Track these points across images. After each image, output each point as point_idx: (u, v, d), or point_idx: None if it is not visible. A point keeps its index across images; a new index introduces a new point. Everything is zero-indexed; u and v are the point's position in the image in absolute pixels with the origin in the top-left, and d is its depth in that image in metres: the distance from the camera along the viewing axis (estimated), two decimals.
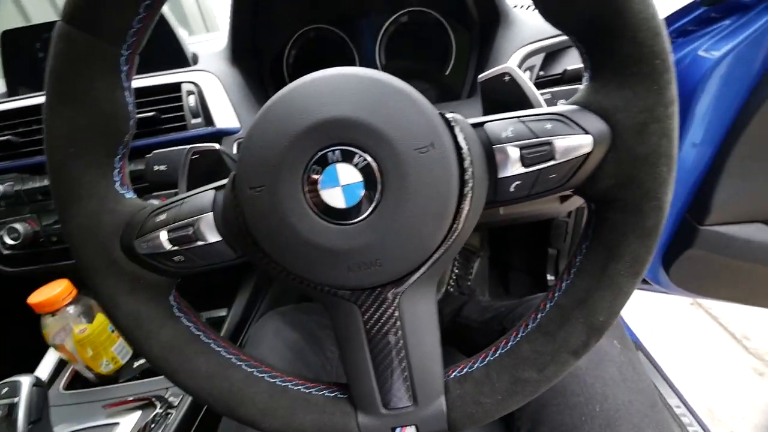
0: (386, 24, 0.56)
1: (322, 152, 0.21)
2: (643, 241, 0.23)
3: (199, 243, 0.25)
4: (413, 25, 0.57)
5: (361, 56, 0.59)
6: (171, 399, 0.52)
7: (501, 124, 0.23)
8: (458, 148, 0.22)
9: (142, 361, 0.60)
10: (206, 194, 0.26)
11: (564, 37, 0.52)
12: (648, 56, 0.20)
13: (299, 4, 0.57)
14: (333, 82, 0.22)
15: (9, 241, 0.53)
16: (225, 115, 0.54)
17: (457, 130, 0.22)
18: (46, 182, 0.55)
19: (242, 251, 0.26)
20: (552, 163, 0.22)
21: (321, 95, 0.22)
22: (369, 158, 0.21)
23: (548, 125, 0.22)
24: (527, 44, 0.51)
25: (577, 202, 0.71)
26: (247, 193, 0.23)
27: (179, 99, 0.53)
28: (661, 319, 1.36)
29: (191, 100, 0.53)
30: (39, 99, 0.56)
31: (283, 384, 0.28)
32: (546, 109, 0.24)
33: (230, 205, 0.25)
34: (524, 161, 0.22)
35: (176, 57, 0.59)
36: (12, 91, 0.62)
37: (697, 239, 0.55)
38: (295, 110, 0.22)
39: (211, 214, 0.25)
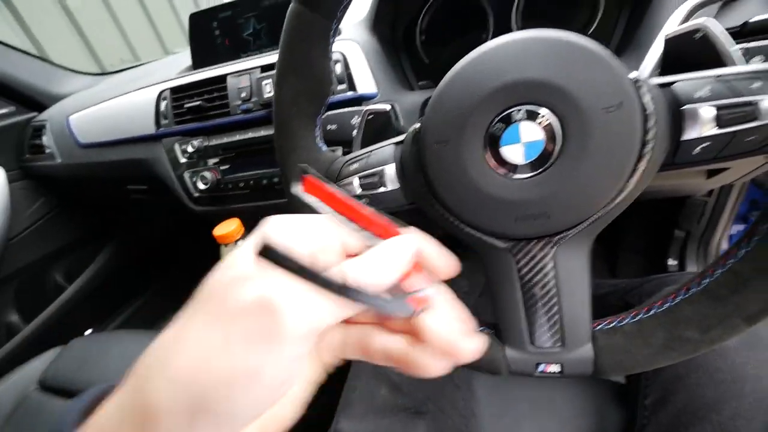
0: None
1: (506, 112, 0.24)
2: None
3: (382, 189, 0.30)
4: None
5: (497, 19, 0.59)
6: None
7: (695, 84, 0.22)
8: (643, 108, 0.22)
9: None
10: (388, 148, 0.30)
11: None
12: None
13: None
14: (522, 45, 0.23)
15: (201, 186, 0.68)
16: (366, 81, 0.59)
17: (643, 90, 0.22)
18: (225, 140, 0.67)
19: (414, 199, 0.30)
20: (754, 124, 0.21)
21: (510, 58, 0.23)
22: (553, 117, 0.23)
23: (756, 84, 0.21)
24: None
25: (725, 179, 0.62)
26: (432, 147, 0.26)
27: None
28: None
29: (338, 68, 0.60)
30: (218, 71, 0.67)
31: None
32: (752, 66, 0.22)
33: (409, 157, 0.28)
34: (720, 121, 0.22)
35: None
36: (197, 65, 0.76)
37: None
38: (483, 72, 0.24)
39: (393, 165, 0.29)
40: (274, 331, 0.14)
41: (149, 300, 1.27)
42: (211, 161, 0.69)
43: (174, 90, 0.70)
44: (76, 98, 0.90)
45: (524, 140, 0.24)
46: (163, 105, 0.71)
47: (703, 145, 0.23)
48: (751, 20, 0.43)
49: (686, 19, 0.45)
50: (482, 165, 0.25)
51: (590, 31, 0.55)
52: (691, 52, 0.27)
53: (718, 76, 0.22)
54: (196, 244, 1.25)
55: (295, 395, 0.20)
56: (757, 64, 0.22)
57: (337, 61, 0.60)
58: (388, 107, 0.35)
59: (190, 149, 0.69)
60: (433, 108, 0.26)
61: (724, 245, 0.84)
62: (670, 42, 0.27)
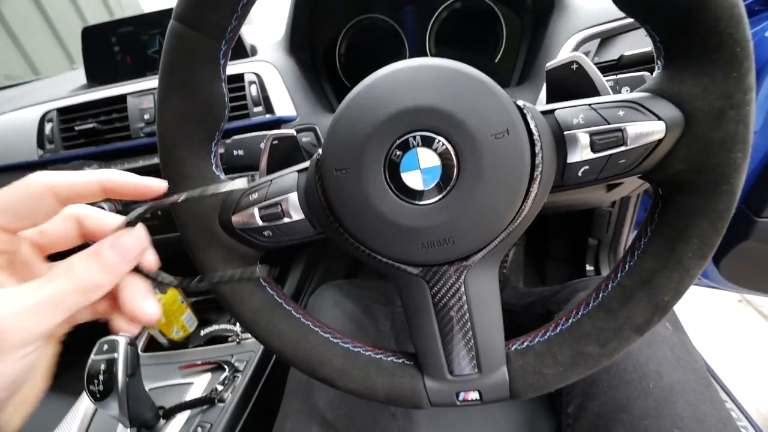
0: (438, 11, 0.57)
1: (403, 138, 0.23)
2: (714, 224, 0.23)
3: (285, 220, 0.28)
4: (464, 12, 0.58)
5: (411, 44, 0.60)
6: (237, 364, 0.57)
7: (572, 111, 0.24)
8: (530, 134, 0.23)
9: (208, 329, 0.66)
10: (290, 176, 0.28)
11: (619, 22, 0.51)
12: (729, 44, 0.20)
13: None
14: (414, 73, 0.23)
15: None
16: (283, 103, 0.57)
17: (529, 117, 0.23)
18: (126, 165, 0.60)
19: (322, 228, 0.28)
20: (623, 148, 0.23)
21: (403, 85, 0.23)
22: (447, 143, 0.23)
23: (621, 112, 0.23)
24: (582, 30, 0.51)
25: (622, 191, 0.70)
26: (332, 175, 0.25)
27: (242, 89, 0.57)
28: (706, 316, 1.31)
29: (253, 90, 0.57)
30: (116, 90, 0.61)
31: (355, 349, 0.31)
32: (618, 96, 0.24)
33: (312, 185, 0.27)
34: (594, 147, 0.23)
35: (236, 48, 0.63)
36: (91, 83, 0.68)
37: (754, 231, 0.54)
38: (379, 99, 0.24)
39: (295, 194, 0.28)
40: None
41: None
42: None
43: (62, 111, 0.62)
44: None
45: (422, 166, 0.24)
46: (48, 127, 0.62)
47: (584, 168, 0.24)
48: (625, 54, 0.49)
49: (574, 51, 0.51)
50: (384, 192, 0.24)
51: (497, 59, 0.59)
52: (569, 80, 0.29)
53: (590, 104, 0.24)
54: None
55: (35, 376, 0.21)
56: (623, 94, 0.24)
57: (252, 83, 0.57)
58: (293, 132, 0.34)
59: None
60: (332, 134, 0.25)
61: None
62: (550, 73, 0.29)
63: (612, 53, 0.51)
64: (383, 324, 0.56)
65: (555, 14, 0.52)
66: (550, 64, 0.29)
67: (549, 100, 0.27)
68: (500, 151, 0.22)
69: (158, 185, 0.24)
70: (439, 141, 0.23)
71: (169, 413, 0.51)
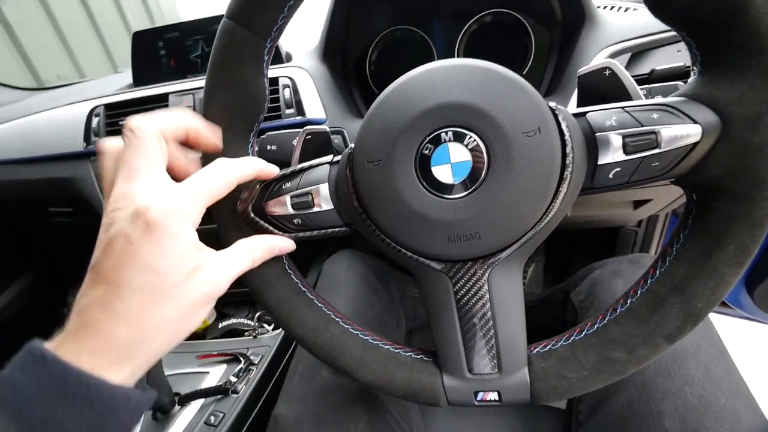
0: (468, 24, 0.59)
1: (436, 132, 0.24)
2: (752, 230, 0.22)
3: (315, 209, 0.29)
4: (493, 25, 0.59)
5: (441, 56, 0.62)
6: (252, 357, 0.58)
7: (604, 114, 0.24)
8: (561, 134, 0.24)
9: (226, 322, 0.68)
10: (322, 167, 0.30)
11: (650, 38, 0.51)
12: None
13: (387, 7, 0.61)
14: (449, 71, 0.24)
15: None
16: (314, 107, 0.59)
17: (560, 117, 0.24)
18: None
19: (349, 219, 0.29)
20: (656, 151, 0.23)
21: (438, 82, 0.24)
22: (479, 139, 0.24)
23: (655, 115, 0.23)
24: (612, 44, 0.51)
25: (650, 209, 0.69)
26: (364, 166, 0.26)
27: (276, 92, 0.60)
28: (739, 347, 1.23)
29: (286, 93, 0.59)
30: (159, 89, 0.65)
31: (374, 342, 0.31)
32: (652, 100, 0.24)
33: (343, 177, 0.28)
34: (626, 149, 0.23)
35: (273, 55, 0.66)
36: (137, 83, 0.72)
37: None
38: (414, 94, 0.25)
39: (326, 184, 0.29)
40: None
41: None
42: None
43: (109, 106, 0.66)
44: None
45: (453, 160, 0.24)
46: (95, 121, 0.66)
47: (616, 170, 0.24)
48: (657, 68, 0.49)
49: None
50: (414, 185, 0.25)
51: (525, 71, 0.60)
52: (601, 86, 0.29)
53: (623, 107, 0.24)
54: None
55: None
56: (657, 99, 0.24)
57: (286, 86, 0.60)
58: (326, 128, 0.35)
59: None
60: (366, 127, 0.26)
61: None
62: (582, 78, 0.29)
63: (642, 69, 0.51)
64: (394, 293, 0.57)
65: (585, 28, 0.53)
66: (583, 70, 0.30)
67: (580, 105, 0.27)
68: (531, 149, 0.23)
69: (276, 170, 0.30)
70: (471, 137, 0.24)
71: (185, 400, 0.52)
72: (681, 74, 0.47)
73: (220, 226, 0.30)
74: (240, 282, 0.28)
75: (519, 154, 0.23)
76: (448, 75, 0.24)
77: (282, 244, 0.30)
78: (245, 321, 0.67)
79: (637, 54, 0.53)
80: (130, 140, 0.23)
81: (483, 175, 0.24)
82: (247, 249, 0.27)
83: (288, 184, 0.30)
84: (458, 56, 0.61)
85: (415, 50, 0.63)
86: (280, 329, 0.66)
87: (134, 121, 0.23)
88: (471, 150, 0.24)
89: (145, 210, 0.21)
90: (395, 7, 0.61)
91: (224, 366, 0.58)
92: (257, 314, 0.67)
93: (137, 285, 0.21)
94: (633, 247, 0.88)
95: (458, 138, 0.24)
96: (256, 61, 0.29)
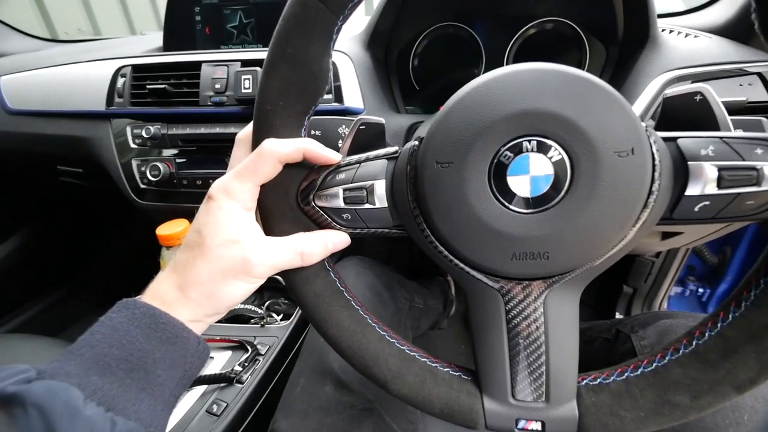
0: (525, 27, 0.57)
1: (518, 140, 0.22)
2: None
3: (367, 206, 0.27)
4: (550, 33, 0.57)
5: (489, 57, 0.60)
6: (259, 347, 0.56)
7: (698, 141, 0.23)
8: (653, 158, 0.22)
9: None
10: (380, 162, 0.28)
11: (712, 68, 0.49)
12: None
13: (443, 0, 0.58)
14: (540, 76, 0.22)
15: (150, 177, 0.60)
16: (353, 95, 0.57)
17: (651, 139, 0.22)
18: (188, 130, 0.61)
19: (402, 221, 0.27)
20: (755, 189, 0.21)
21: (526, 86, 0.22)
22: (564, 153, 0.22)
23: (759, 150, 0.21)
24: (674, 69, 0.49)
25: (679, 242, 0.67)
26: (432, 167, 0.24)
27: None
28: None
29: None
30: (193, 57, 0.62)
31: (411, 353, 0.29)
32: (758, 134, 0.23)
33: (402, 175, 0.26)
34: (721, 182, 0.21)
35: None
36: (167, 47, 0.69)
37: None
38: (498, 96, 0.23)
39: (383, 181, 0.27)
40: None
41: (60, 301, 1.08)
42: (167, 152, 0.62)
43: (137, 68, 0.63)
44: (14, 60, 0.78)
45: (533, 173, 0.23)
46: (120, 82, 0.63)
47: (704, 203, 0.22)
48: (725, 99, 0.47)
49: (660, 91, 0.49)
50: (484, 193, 0.23)
51: None
52: (689, 112, 0.27)
53: (723, 137, 0.22)
54: (125, 240, 1.12)
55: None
56: (761, 132, 0.22)
57: None
58: (382, 120, 0.33)
59: (144, 135, 0.61)
60: (440, 124, 0.24)
61: (665, 305, 0.90)
62: (668, 101, 0.27)
63: None
64: (401, 303, 0.56)
65: (647, 49, 0.51)
66: (671, 92, 0.28)
67: (661, 129, 0.26)
68: (620, 171, 0.21)
69: (337, 157, 0.29)
70: (556, 149, 0.22)
71: None
72: (742, 109, 0.45)
73: (259, 210, 0.28)
74: None
75: (607, 174, 0.21)
76: (540, 79, 0.22)
77: (336, 239, 0.28)
78: (252, 308, 0.64)
79: (696, 83, 0.51)
80: (254, 156, 0.26)
81: (563, 192, 0.22)
82: (297, 250, 0.27)
83: (342, 176, 0.28)
84: (507, 60, 0.59)
85: (462, 49, 0.61)
86: (289, 320, 0.63)
87: (267, 145, 0.26)
88: (554, 163, 0.22)
89: (211, 187, 0.27)
90: (450, 2, 0.59)
91: (229, 353, 0.55)
92: (266, 303, 0.65)
93: (188, 241, 0.27)
94: (647, 277, 0.87)
95: (542, 149, 0.22)
96: (326, 38, 0.27)
